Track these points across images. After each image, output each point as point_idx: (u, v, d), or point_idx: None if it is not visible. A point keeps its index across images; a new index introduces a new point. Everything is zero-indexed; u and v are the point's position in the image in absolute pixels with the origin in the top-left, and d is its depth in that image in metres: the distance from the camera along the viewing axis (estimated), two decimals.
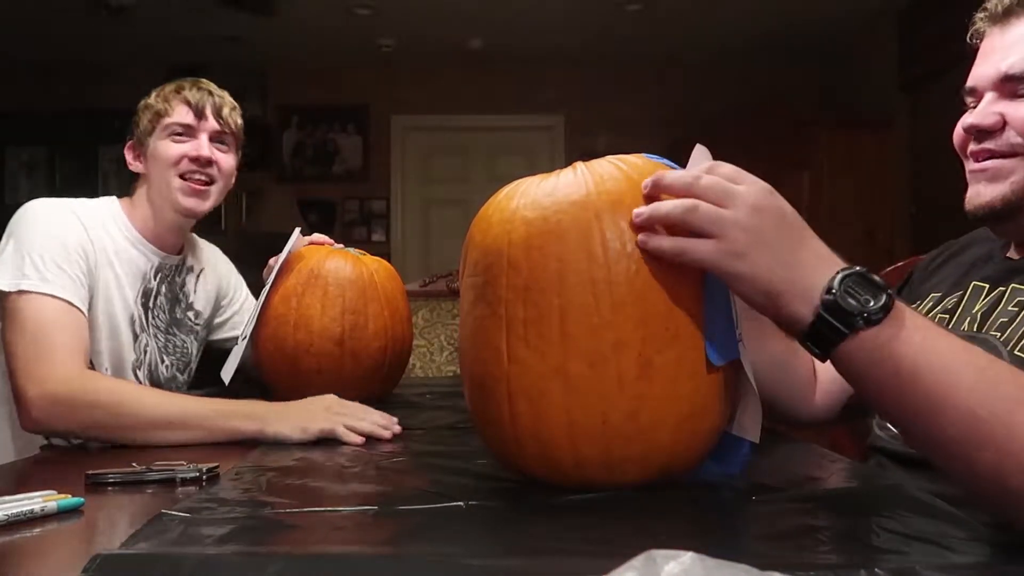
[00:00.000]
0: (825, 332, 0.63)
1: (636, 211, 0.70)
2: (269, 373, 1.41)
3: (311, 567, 0.53)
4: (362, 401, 1.43)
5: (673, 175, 0.70)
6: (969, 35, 0.97)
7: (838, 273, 0.64)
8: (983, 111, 0.92)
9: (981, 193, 0.92)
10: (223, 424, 1.16)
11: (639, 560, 0.42)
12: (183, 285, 1.58)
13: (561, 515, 0.69)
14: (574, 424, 0.70)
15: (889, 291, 0.63)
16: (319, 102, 5.56)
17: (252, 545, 0.61)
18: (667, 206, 0.68)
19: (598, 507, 0.70)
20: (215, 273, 1.67)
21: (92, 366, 1.38)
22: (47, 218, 1.36)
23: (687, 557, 0.42)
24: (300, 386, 1.38)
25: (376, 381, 1.42)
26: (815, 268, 0.65)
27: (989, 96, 0.92)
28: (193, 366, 1.64)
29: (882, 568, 0.51)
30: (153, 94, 1.52)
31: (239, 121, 1.55)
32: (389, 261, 1.54)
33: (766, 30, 4.88)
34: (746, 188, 0.67)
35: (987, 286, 0.96)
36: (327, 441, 1.14)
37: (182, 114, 1.49)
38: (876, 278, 0.63)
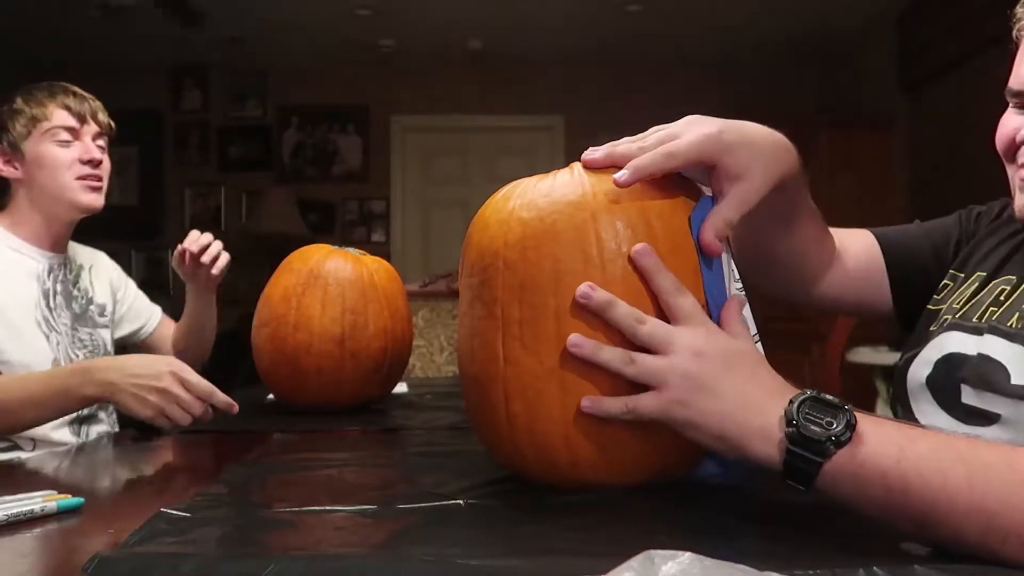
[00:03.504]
0: (800, 466, 0.61)
1: (572, 340, 0.68)
2: (269, 373, 1.42)
3: (310, 567, 0.53)
4: (360, 402, 1.43)
5: (621, 311, 0.68)
6: (1016, 30, 0.90)
7: (792, 403, 0.62)
8: None
9: None
10: (77, 392, 1.22)
11: (637, 560, 0.43)
12: (76, 281, 1.62)
13: (559, 515, 0.69)
14: (570, 424, 0.70)
15: (846, 407, 0.61)
16: (319, 102, 5.55)
17: (251, 545, 0.61)
18: (606, 355, 0.67)
19: (596, 507, 0.70)
20: (104, 268, 1.73)
21: None
22: None
23: (685, 557, 0.43)
24: (300, 386, 1.38)
25: (376, 381, 1.42)
26: (765, 405, 0.63)
27: None
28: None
29: (881, 568, 0.51)
30: (19, 99, 1.55)
31: (112, 123, 1.62)
32: (389, 261, 1.54)
33: (766, 30, 4.88)
34: (686, 330, 0.67)
35: None
36: (324, 440, 1.14)
37: (64, 119, 1.53)
38: (830, 397, 0.62)
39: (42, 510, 0.73)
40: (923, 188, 4.35)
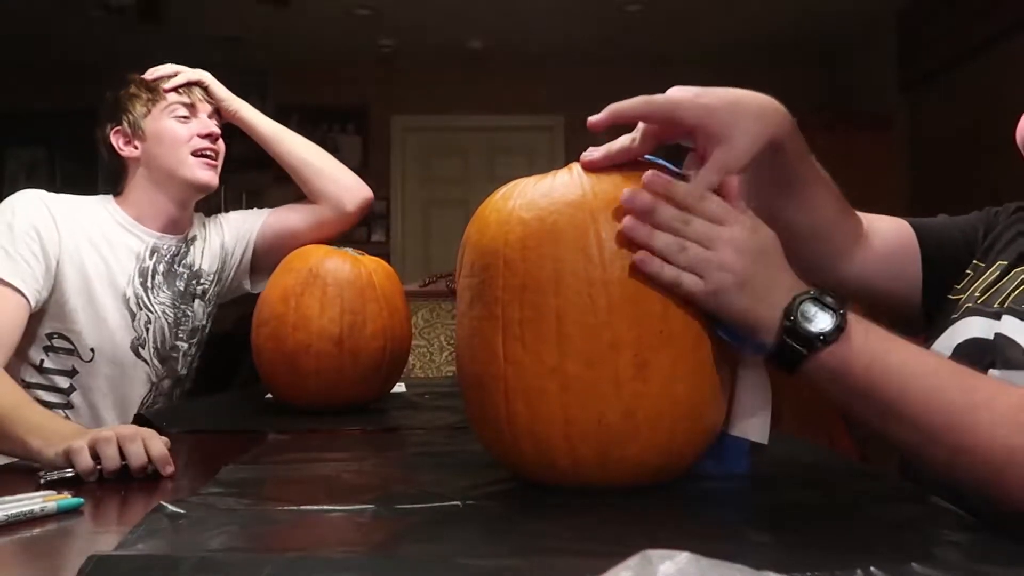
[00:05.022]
0: (788, 355, 0.69)
1: (628, 224, 0.71)
2: (268, 374, 1.42)
3: (309, 567, 0.53)
4: (359, 402, 1.43)
5: (666, 214, 0.71)
6: None
7: (794, 299, 0.69)
8: None
9: None
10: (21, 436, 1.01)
11: (634, 560, 0.42)
12: (183, 259, 1.61)
13: (558, 515, 0.69)
14: (570, 424, 0.70)
15: (841, 311, 0.68)
16: (319, 102, 5.55)
17: (249, 545, 0.61)
18: (663, 240, 0.70)
19: (595, 507, 0.70)
20: (218, 229, 1.71)
21: (53, 348, 1.45)
22: (7, 206, 1.41)
23: (682, 557, 0.43)
24: (299, 387, 1.38)
25: (375, 381, 1.42)
26: (781, 301, 0.70)
27: None
28: (207, 324, 1.68)
29: (879, 568, 0.51)
30: (132, 86, 1.57)
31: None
32: (389, 261, 1.54)
33: (766, 30, 4.89)
34: (729, 231, 0.71)
35: None
36: (324, 440, 1.14)
37: (179, 97, 1.57)
38: (829, 299, 0.69)
39: (42, 510, 0.73)
40: (922, 188, 4.35)
